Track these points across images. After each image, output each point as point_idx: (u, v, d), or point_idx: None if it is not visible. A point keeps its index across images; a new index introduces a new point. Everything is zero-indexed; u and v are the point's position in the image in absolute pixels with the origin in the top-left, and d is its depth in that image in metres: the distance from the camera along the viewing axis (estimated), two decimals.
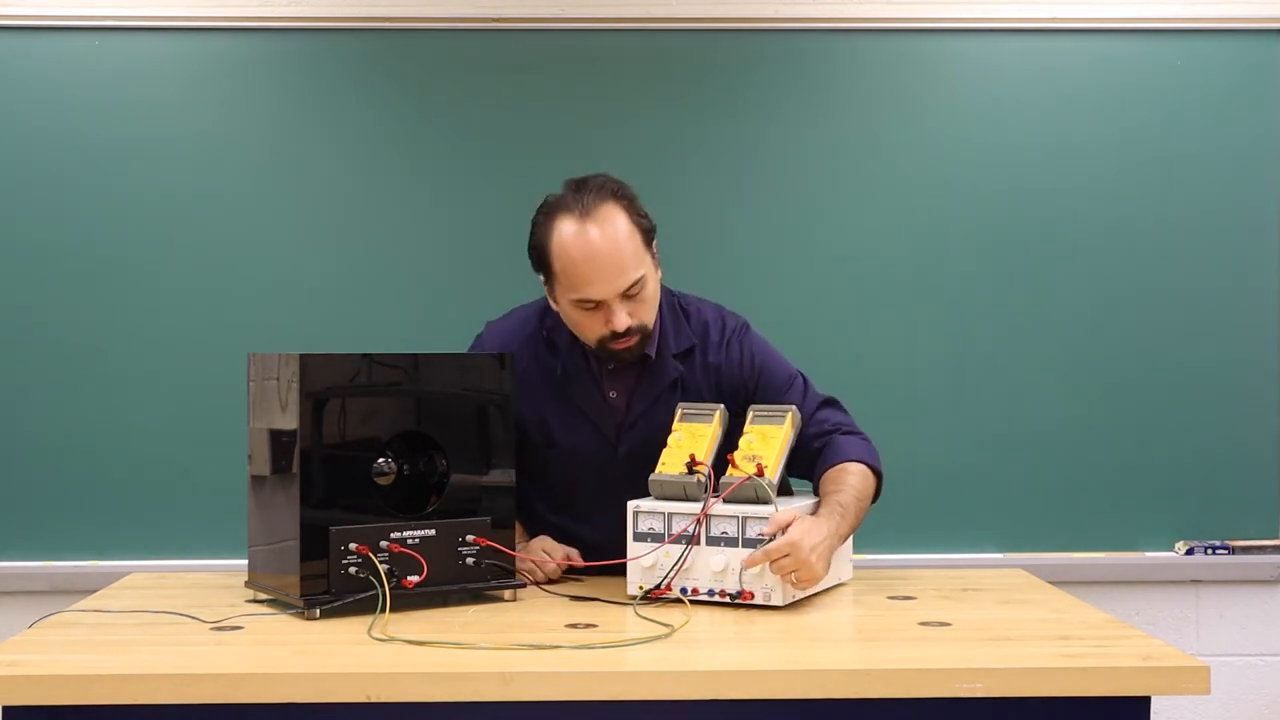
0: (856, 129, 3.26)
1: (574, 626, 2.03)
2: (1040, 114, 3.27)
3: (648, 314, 2.35)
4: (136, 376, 3.20)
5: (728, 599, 2.15)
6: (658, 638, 1.96)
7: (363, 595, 2.08)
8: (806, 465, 2.40)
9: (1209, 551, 3.30)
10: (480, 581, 2.20)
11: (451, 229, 3.24)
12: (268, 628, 2.05)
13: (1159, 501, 3.29)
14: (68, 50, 3.19)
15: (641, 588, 2.19)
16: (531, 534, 2.47)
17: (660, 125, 3.24)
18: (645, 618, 2.08)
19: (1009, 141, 3.27)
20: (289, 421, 2.11)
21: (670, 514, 2.20)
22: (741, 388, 2.43)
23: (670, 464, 2.25)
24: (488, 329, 2.52)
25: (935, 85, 3.27)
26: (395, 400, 2.20)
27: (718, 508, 2.18)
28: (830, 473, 2.35)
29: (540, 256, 2.34)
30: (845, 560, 2.35)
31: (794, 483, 2.42)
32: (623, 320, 2.29)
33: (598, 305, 2.30)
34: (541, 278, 2.37)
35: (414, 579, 2.12)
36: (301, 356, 2.10)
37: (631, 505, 2.23)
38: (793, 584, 2.12)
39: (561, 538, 2.43)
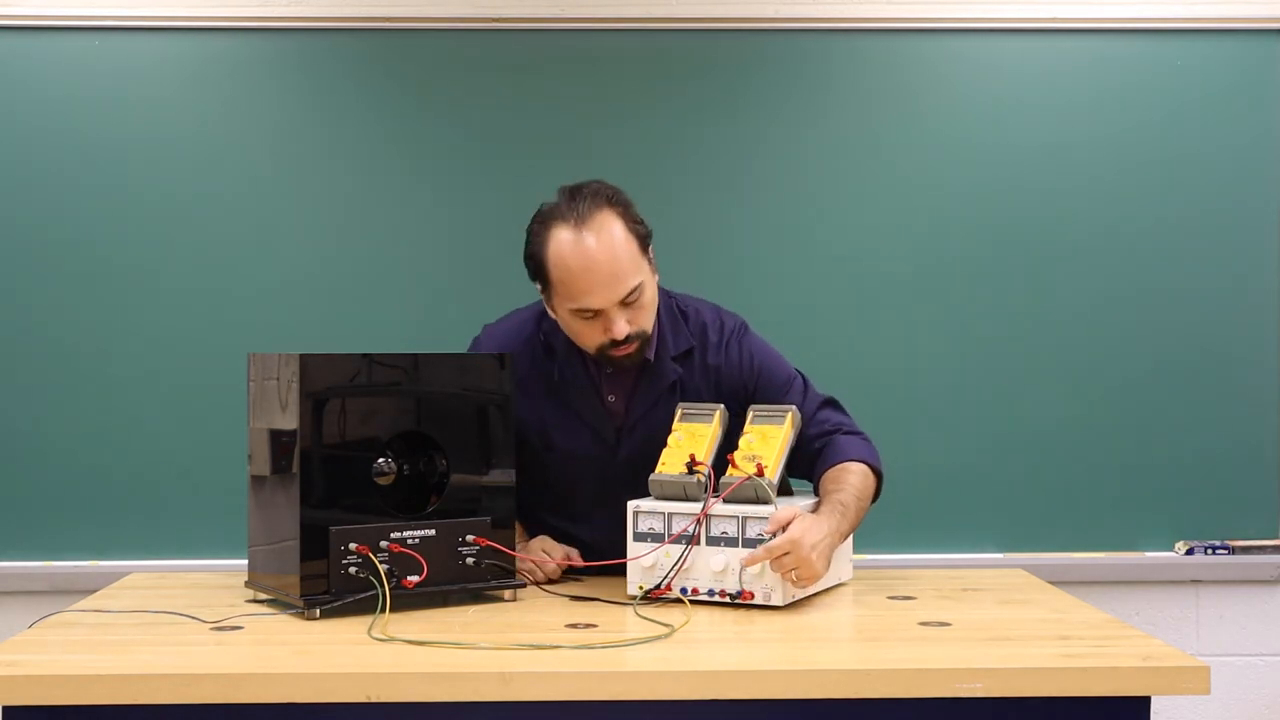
0: (856, 129, 3.27)
1: (574, 626, 2.03)
2: (1040, 114, 3.27)
3: (647, 320, 2.34)
4: (136, 376, 3.20)
5: (728, 599, 2.15)
6: (658, 638, 1.96)
7: (363, 595, 2.08)
8: (806, 465, 2.40)
9: (1209, 551, 3.30)
10: (480, 581, 2.20)
11: (451, 229, 3.24)
12: (268, 628, 2.05)
13: (1159, 501, 3.29)
14: (68, 50, 3.20)
15: (641, 588, 2.19)
16: (531, 534, 2.46)
17: (660, 125, 3.24)
18: (645, 618, 2.08)
19: (1008, 141, 3.27)
20: (289, 421, 2.11)
21: (670, 514, 2.20)
22: (741, 389, 2.42)
23: (670, 464, 2.25)
24: (485, 332, 2.51)
25: (935, 85, 3.27)
26: (395, 400, 2.20)
27: (718, 508, 2.18)
28: (831, 472, 2.35)
29: (537, 266, 2.32)
30: (845, 560, 2.35)
31: (794, 483, 2.42)
32: (622, 328, 2.29)
33: (596, 314, 2.29)
34: (538, 286, 2.36)
35: (414, 579, 2.12)
36: (301, 356, 2.10)
37: (631, 505, 2.23)
38: (793, 582, 2.12)
39: (561, 539, 2.43)
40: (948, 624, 2.06)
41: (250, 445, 2.24)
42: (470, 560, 2.19)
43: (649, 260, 2.34)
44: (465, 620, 2.09)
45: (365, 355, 2.19)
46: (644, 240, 2.33)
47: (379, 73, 3.23)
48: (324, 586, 2.09)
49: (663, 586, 2.18)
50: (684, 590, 2.18)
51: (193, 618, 2.09)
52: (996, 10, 3.26)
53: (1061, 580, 2.67)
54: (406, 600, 2.13)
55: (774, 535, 2.11)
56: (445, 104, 3.23)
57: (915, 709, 1.81)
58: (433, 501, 2.21)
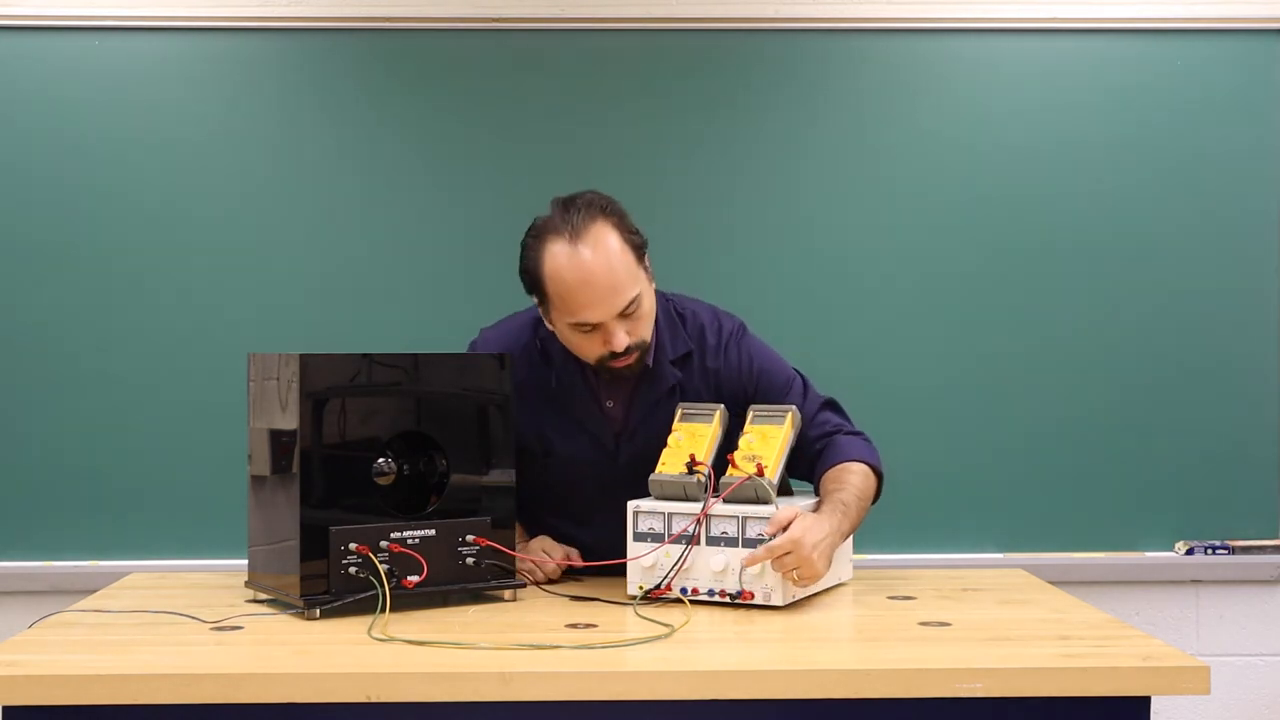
0: (856, 129, 3.26)
1: (574, 626, 2.03)
2: (1039, 114, 3.27)
3: (645, 330, 2.33)
4: (136, 376, 3.20)
5: (728, 599, 2.15)
6: (658, 638, 1.96)
7: (363, 595, 2.08)
8: (807, 467, 2.40)
9: (1209, 551, 3.30)
10: (480, 581, 2.20)
11: (451, 229, 3.24)
12: (268, 628, 2.05)
13: (1159, 501, 3.29)
14: (68, 50, 3.19)
15: (641, 588, 2.19)
16: (531, 535, 2.46)
17: (659, 125, 3.24)
18: (645, 618, 2.08)
19: (1008, 141, 3.27)
20: (289, 421, 2.11)
21: (670, 514, 2.20)
22: (740, 391, 2.42)
23: (670, 464, 2.25)
24: (481, 336, 2.50)
25: (934, 85, 3.27)
26: (395, 400, 2.20)
27: (718, 508, 2.18)
28: (831, 472, 2.35)
29: (533, 281, 2.30)
30: (845, 560, 2.35)
31: (794, 483, 2.42)
32: (622, 340, 2.27)
33: (595, 327, 2.27)
34: (535, 299, 2.35)
35: (414, 579, 2.12)
36: (301, 356, 2.10)
37: (631, 505, 2.23)
38: (794, 581, 2.12)
39: (562, 541, 2.42)
40: (948, 624, 2.06)
41: (250, 445, 2.24)
42: (470, 560, 2.19)
43: (645, 269, 2.33)
44: (465, 620, 2.09)
45: (365, 355, 2.19)
46: (640, 250, 2.31)
47: (379, 73, 3.23)
48: (324, 586, 2.09)
49: (663, 586, 2.18)
50: (684, 590, 2.18)
51: (193, 618, 2.09)
52: (995, 10, 3.26)
53: (1061, 580, 2.67)
54: (406, 600, 2.13)
55: (774, 536, 2.11)
56: (445, 104, 3.23)
57: (915, 709, 1.81)
58: (433, 501, 2.21)
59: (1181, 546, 3.30)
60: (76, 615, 2.12)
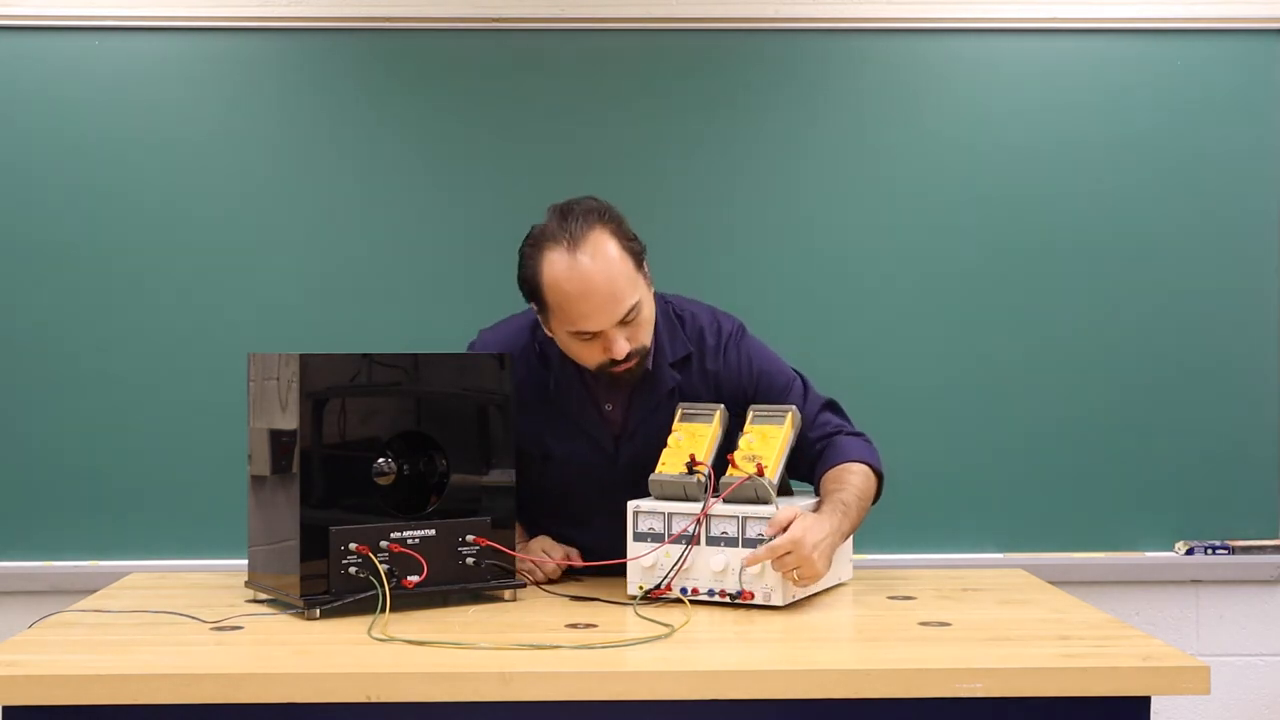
0: (856, 129, 3.26)
1: (574, 626, 2.03)
2: (1039, 114, 3.27)
3: (645, 336, 2.32)
4: (136, 376, 3.20)
5: (728, 599, 2.15)
6: (658, 638, 1.96)
7: (363, 595, 2.08)
8: (807, 468, 2.40)
9: (1209, 551, 3.30)
10: (480, 581, 2.20)
11: (451, 229, 3.24)
12: (268, 628, 2.05)
13: (1159, 501, 3.29)
14: (68, 50, 3.19)
15: (641, 588, 2.19)
16: (531, 535, 2.46)
17: (660, 125, 3.24)
18: (645, 618, 2.08)
19: (1008, 142, 3.27)
20: (289, 421, 2.11)
21: (670, 514, 2.20)
22: (740, 393, 2.41)
23: (670, 464, 2.25)
24: (480, 337, 2.50)
25: (934, 85, 3.27)
26: (395, 400, 2.20)
27: (718, 508, 2.18)
28: (832, 472, 2.35)
29: (532, 290, 2.29)
30: (845, 560, 2.35)
31: (794, 484, 2.42)
32: (622, 348, 2.27)
33: (595, 335, 2.26)
34: (533, 307, 2.34)
35: (414, 579, 2.12)
36: (301, 356, 2.10)
37: (631, 505, 2.23)
38: (794, 581, 2.12)
39: (561, 543, 2.42)
40: (948, 624, 2.06)
41: (250, 445, 2.24)
42: (470, 560, 2.19)
43: (644, 275, 2.31)
44: (465, 620, 2.09)
45: (365, 355, 2.19)
46: (638, 257, 2.30)
47: (379, 73, 3.23)
48: (324, 586, 2.09)
49: (663, 586, 2.18)
50: (684, 590, 2.18)
51: (193, 618, 2.09)
52: (995, 10, 3.26)
53: (1061, 580, 2.67)
54: (406, 600, 2.13)
55: (774, 537, 2.11)
56: (445, 104, 3.23)
57: (915, 709, 1.81)
58: (433, 501, 2.21)
59: (1181, 546, 3.30)
60: (76, 615, 2.12)
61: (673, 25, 3.23)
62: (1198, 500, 3.29)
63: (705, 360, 2.43)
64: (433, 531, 2.16)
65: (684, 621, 2.05)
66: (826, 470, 2.36)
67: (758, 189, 3.26)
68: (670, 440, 2.28)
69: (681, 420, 2.31)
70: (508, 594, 2.23)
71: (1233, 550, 3.30)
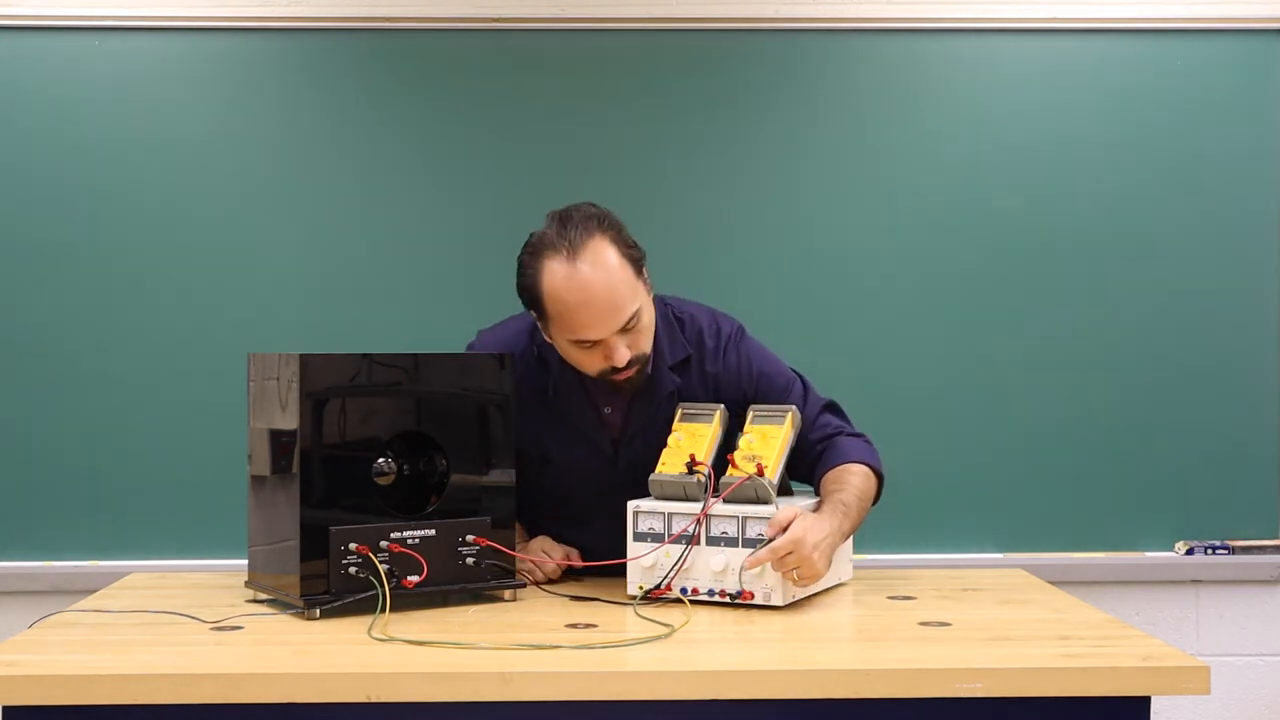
0: (855, 129, 3.26)
1: (574, 626, 2.03)
2: (1039, 114, 3.27)
3: (646, 343, 2.31)
4: (136, 376, 3.20)
5: (728, 599, 2.15)
6: (658, 638, 1.96)
7: (363, 595, 2.08)
8: (808, 469, 2.40)
9: (1209, 551, 3.30)
10: (480, 581, 2.20)
11: (451, 229, 3.24)
12: (268, 628, 2.05)
13: (1159, 501, 3.29)
14: (68, 50, 3.20)
15: (641, 588, 2.19)
16: (531, 535, 2.46)
17: (659, 125, 3.24)
18: (645, 618, 2.08)
19: (1008, 142, 3.27)
20: (289, 421, 2.11)
21: (670, 514, 2.20)
22: (740, 394, 2.40)
23: (670, 464, 2.25)
24: (479, 338, 2.49)
25: (934, 85, 3.27)
26: (395, 400, 2.20)
27: (718, 508, 2.18)
28: (832, 473, 2.34)
29: (532, 299, 2.28)
30: (845, 560, 2.35)
31: (794, 484, 2.42)
32: (623, 355, 2.26)
33: (595, 343, 2.25)
34: (533, 314, 2.33)
35: (414, 579, 2.12)
36: (301, 356, 2.10)
37: (631, 505, 2.23)
38: (794, 581, 2.12)
39: (561, 543, 2.42)
40: (948, 624, 2.06)
41: (250, 445, 2.24)
42: (470, 560, 2.19)
43: (644, 282, 2.30)
44: (465, 620, 2.09)
45: (365, 355, 2.19)
46: (638, 264, 2.28)
47: (379, 73, 3.23)
48: (324, 586, 2.09)
49: (663, 586, 2.18)
50: (684, 590, 2.18)
51: (193, 618, 2.09)
52: (995, 10, 3.26)
53: (1061, 580, 2.67)
54: (406, 600, 2.13)
55: (775, 537, 2.11)
56: (445, 104, 3.23)
57: (915, 709, 1.81)
58: (433, 501, 2.21)
59: (1181, 546, 3.30)
60: (76, 615, 2.12)
61: (673, 25, 3.23)
62: (1198, 500, 3.29)
63: (705, 362, 2.42)
64: (433, 531, 2.16)
65: (684, 621, 2.05)
66: (827, 471, 2.36)
67: (758, 189, 3.26)
68: (670, 440, 2.28)
69: (681, 420, 2.31)
70: (508, 594, 2.23)
71: (1233, 550, 3.30)
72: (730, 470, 2.22)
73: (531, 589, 2.30)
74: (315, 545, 2.08)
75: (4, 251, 3.19)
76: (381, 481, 2.17)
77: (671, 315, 2.44)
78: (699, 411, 2.31)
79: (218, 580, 2.40)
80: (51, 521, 3.19)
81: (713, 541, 2.17)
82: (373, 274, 3.23)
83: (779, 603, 2.13)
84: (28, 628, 2.06)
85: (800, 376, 2.47)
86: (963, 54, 3.27)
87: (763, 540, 2.12)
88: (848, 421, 2.46)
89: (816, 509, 2.24)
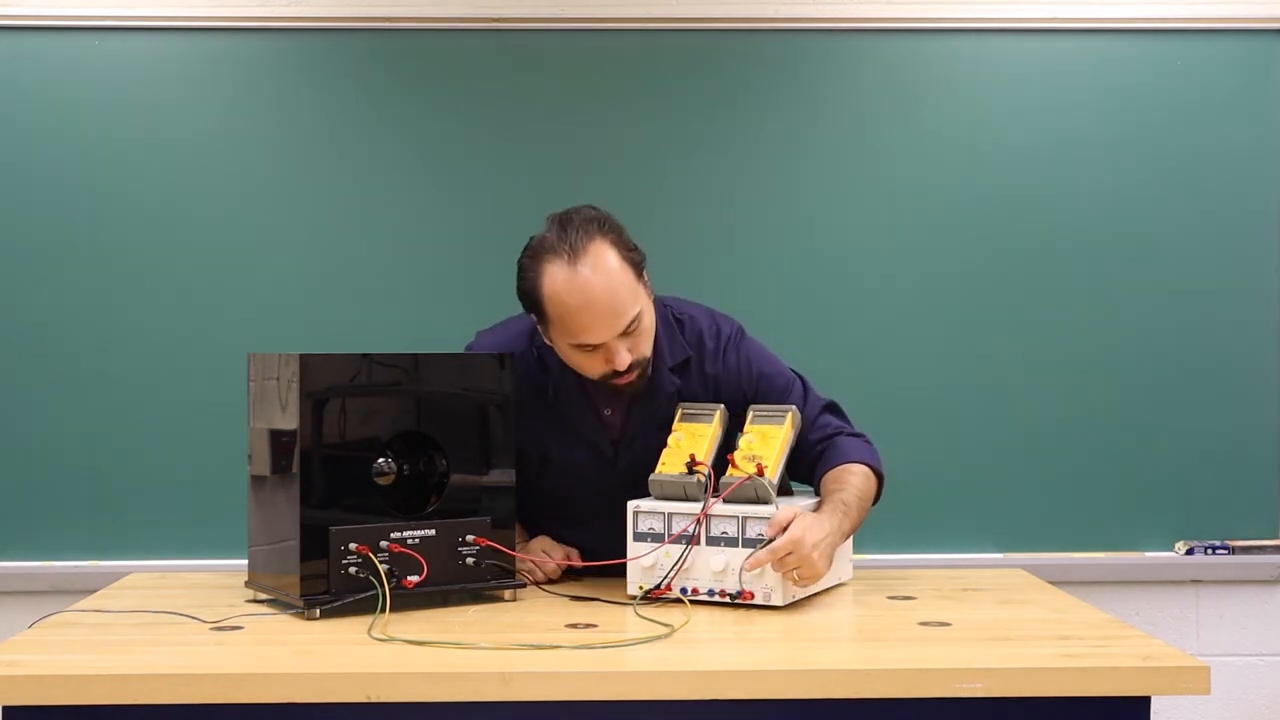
0: (856, 129, 3.26)
1: (574, 626, 2.03)
2: (1039, 114, 3.27)
3: (647, 346, 2.31)
4: (136, 376, 3.20)
5: (728, 599, 2.15)
6: (658, 638, 1.96)
7: (363, 595, 2.08)
8: (808, 469, 2.39)
9: (1209, 551, 3.30)
10: (480, 581, 2.20)
11: (451, 229, 3.24)
12: (268, 628, 2.05)
13: (1159, 501, 3.29)
14: (68, 50, 3.19)
15: (641, 588, 2.19)
16: (530, 535, 2.46)
17: (660, 125, 3.24)
18: (645, 618, 2.08)
19: (1008, 142, 3.27)
20: (289, 421, 2.11)
21: (670, 514, 2.20)
22: (740, 395, 2.40)
23: (670, 464, 2.25)
24: (478, 339, 2.49)
25: (934, 85, 3.27)
26: (395, 400, 2.20)
27: (718, 508, 2.18)
28: (832, 473, 2.34)
29: (532, 302, 2.27)
30: (845, 560, 2.35)
31: (794, 484, 2.42)
32: (624, 359, 2.25)
33: (596, 347, 2.25)
34: (533, 318, 2.32)
35: (414, 579, 2.12)
36: (301, 356, 2.10)
37: (631, 505, 2.23)
38: (795, 581, 2.12)
39: (561, 543, 2.42)
40: (948, 624, 2.06)
41: (250, 445, 2.24)
42: (470, 560, 2.19)
43: (644, 285, 2.30)
44: (465, 620, 2.09)
45: (365, 355, 2.19)
46: (638, 267, 2.28)
47: (379, 73, 3.23)
48: (324, 586, 2.09)
49: (663, 586, 2.18)
50: (684, 590, 2.18)
51: (193, 618, 2.09)
52: (995, 10, 3.26)
53: (1061, 580, 2.67)
54: (406, 600, 2.13)
55: (774, 538, 2.11)
56: (445, 104, 3.23)
57: (915, 709, 1.81)
58: (433, 501, 2.21)
59: (1181, 546, 3.30)
60: (76, 615, 2.12)
61: (673, 25, 3.23)
62: (1198, 500, 3.29)
63: (705, 364, 2.42)
64: (433, 531, 2.16)
65: (684, 621, 2.05)
66: (827, 471, 2.36)
67: (758, 189, 3.26)
68: (670, 440, 2.28)
69: (681, 420, 2.31)
70: (508, 594, 2.23)
71: (1233, 550, 3.30)
72: (730, 470, 2.22)
73: (531, 589, 2.30)
74: (315, 545, 2.08)
75: (4, 251, 3.19)
76: (381, 481, 2.17)
77: (671, 317, 2.43)
78: (699, 411, 2.31)
79: (218, 580, 2.40)
80: (51, 521, 3.19)
81: (713, 541, 2.17)
82: (373, 274, 3.23)
83: (779, 603, 2.13)
84: (28, 628, 2.06)
85: (800, 377, 2.47)
86: (963, 54, 3.27)
87: (763, 540, 2.12)
88: (848, 422, 2.46)
89: (816, 509, 2.24)
